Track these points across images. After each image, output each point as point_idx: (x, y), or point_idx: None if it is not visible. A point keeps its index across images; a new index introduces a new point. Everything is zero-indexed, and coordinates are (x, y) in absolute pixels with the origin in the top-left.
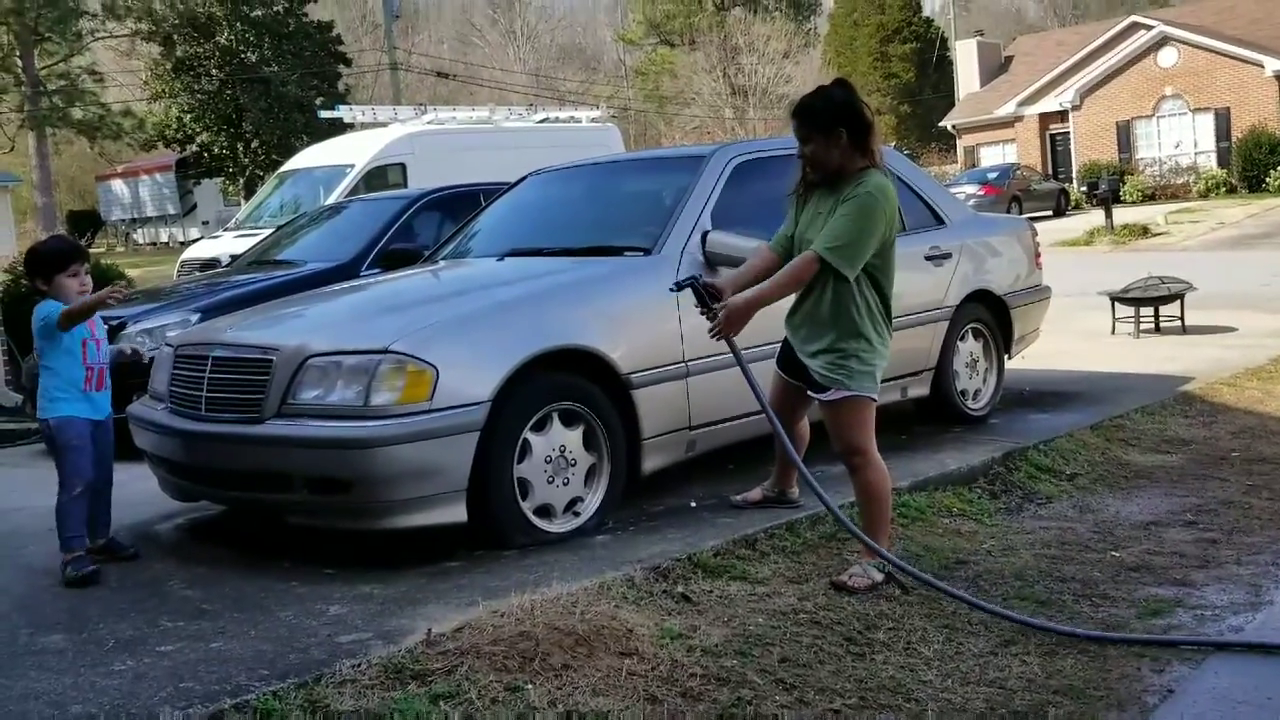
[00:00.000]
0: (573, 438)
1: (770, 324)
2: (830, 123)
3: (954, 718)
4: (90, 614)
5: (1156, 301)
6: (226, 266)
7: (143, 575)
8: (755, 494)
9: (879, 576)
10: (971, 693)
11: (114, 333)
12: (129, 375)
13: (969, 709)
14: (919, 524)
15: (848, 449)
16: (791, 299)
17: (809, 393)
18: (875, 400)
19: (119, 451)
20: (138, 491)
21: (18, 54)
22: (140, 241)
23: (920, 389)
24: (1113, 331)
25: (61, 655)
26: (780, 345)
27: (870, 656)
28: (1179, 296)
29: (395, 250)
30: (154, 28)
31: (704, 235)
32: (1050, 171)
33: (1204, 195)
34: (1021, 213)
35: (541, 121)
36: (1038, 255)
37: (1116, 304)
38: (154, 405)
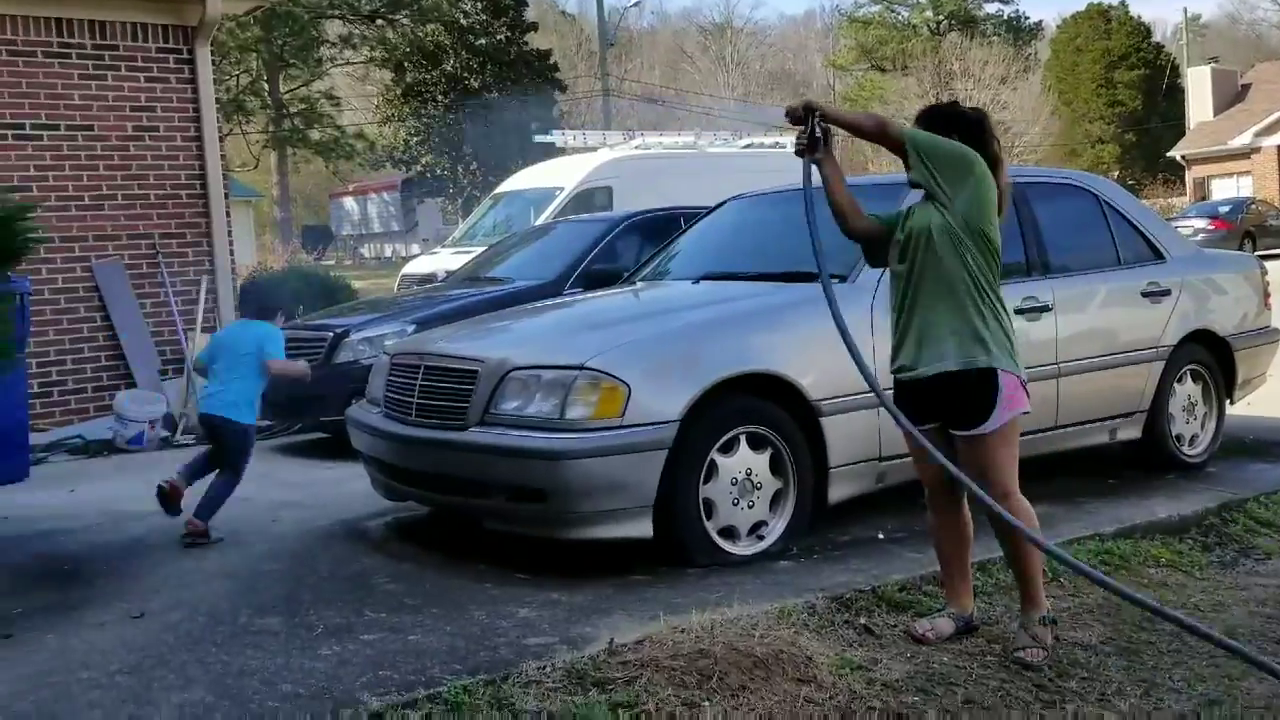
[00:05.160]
0: (759, 461)
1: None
2: (947, 129)
3: None
4: (303, 600)
5: None
6: (442, 281)
7: (352, 568)
8: None
9: (1049, 639)
10: None
11: (338, 340)
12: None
13: None
14: (1122, 572)
15: (994, 493)
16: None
17: (952, 431)
18: (1026, 410)
19: (339, 451)
20: (353, 490)
21: (265, 79)
22: (366, 256)
23: (1131, 431)
24: None
25: (275, 637)
26: (893, 395)
27: (1061, 705)
28: None
29: (597, 271)
30: (387, 56)
31: None
32: None
33: None
34: (1254, 250)
35: (746, 147)
36: (1268, 295)
37: None
38: (370, 409)
